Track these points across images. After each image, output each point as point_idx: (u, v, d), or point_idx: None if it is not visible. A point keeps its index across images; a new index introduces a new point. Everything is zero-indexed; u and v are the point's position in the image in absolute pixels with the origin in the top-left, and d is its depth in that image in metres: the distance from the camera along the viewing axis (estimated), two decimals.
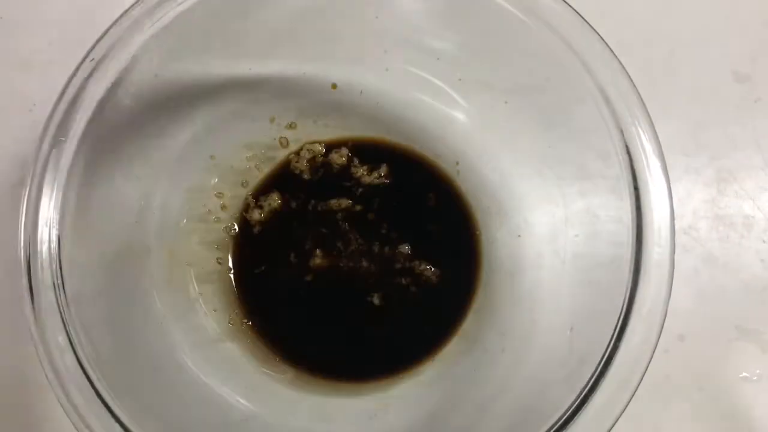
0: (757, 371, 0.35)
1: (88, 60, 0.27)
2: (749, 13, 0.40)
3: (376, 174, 0.37)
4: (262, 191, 0.37)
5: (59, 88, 0.27)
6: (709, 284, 0.36)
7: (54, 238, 0.26)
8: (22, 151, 0.38)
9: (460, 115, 0.35)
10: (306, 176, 0.37)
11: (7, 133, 0.39)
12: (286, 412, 0.33)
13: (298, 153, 0.37)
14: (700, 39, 0.39)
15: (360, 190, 0.37)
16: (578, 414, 0.25)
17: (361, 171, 0.37)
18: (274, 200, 0.37)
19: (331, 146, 0.37)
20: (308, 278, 0.36)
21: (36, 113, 0.39)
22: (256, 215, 0.37)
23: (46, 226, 0.26)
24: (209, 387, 0.31)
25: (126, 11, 0.28)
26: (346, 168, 0.37)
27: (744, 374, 0.35)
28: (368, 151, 0.37)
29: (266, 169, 0.37)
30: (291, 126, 0.37)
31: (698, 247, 0.37)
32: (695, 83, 0.39)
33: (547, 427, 0.25)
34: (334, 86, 0.35)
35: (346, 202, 0.37)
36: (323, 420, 0.33)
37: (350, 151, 0.37)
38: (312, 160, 0.37)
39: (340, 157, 0.37)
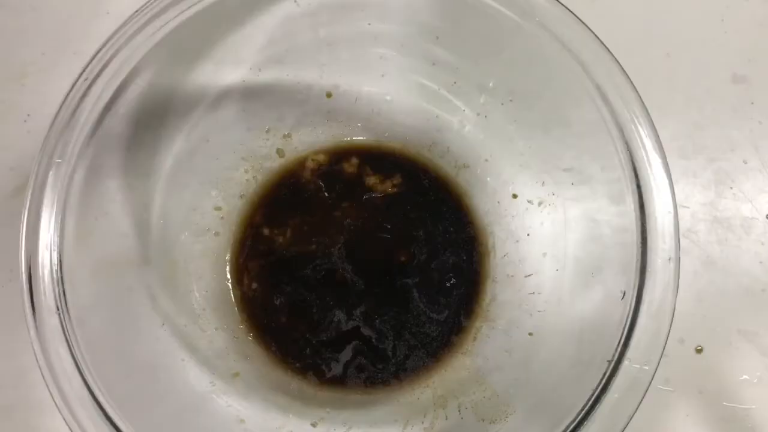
0: (757, 374, 0.35)
1: (82, 79, 0.27)
2: (746, 15, 0.40)
3: (375, 179, 0.37)
4: (260, 203, 0.37)
5: (53, 98, 0.27)
6: (709, 287, 0.36)
7: (55, 260, 0.26)
8: (17, 162, 0.38)
9: (457, 119, 0.35)
10: (309, 186, 0.37)
11: (1, 144, 0.38)
12: (292, 422, 0.33)
13: (303, 164, 0.37)
14: (697, 41, 0.39)
15: (360, 195, 0.37)
16: (586, 421, 0.25)
17: (365, 178, 0.37)
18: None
19: (331, 155, 0.37)
20: (312, 290, 0.36)
21: (30, 123, 0.39)
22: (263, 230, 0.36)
23: (47, 249, 0.26)
24: (214, 400, 0.31)
25: (120, 27, 0.28)
26: (344, 175, 0.37)
27: (744, 377, 0.35)
28: (367, 157, 0.37)
29: (263, 180, 0.37)
30: (287, 136, 0.36)
31: (697, 249, 0.37)
32: (692, 85, 0.39)
33: None
34: (329, 95, 0.35)
35: (346, 209, 0.37)
36: (328, 429, 0.33)
37: (352, 158, 0.37)
38: (313, 171, 0.37)
39: (343, 166, 0.37)
